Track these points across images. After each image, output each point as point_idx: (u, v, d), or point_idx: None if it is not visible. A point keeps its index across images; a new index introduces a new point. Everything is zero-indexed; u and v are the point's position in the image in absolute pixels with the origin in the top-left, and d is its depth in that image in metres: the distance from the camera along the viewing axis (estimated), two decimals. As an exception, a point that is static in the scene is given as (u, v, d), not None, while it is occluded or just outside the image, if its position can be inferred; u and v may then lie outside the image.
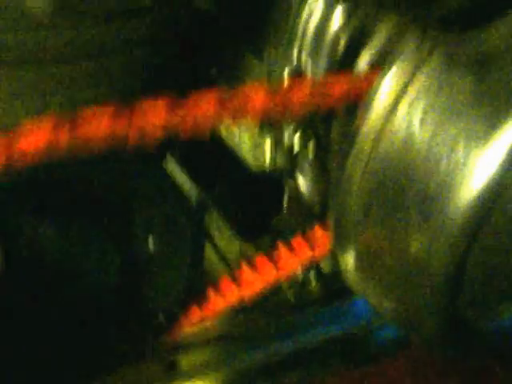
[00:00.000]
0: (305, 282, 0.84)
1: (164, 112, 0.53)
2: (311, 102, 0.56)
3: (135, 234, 0.59)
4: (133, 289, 0.61)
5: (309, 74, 0.69)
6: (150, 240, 0.59)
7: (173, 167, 0.93)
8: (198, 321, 0.68)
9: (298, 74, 0.70)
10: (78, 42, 0.53)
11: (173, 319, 0.66)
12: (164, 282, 0.62)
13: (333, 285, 0.86)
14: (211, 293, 0.68)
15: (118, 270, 0.59)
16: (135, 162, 0.55)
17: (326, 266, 0.82)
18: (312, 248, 0.70)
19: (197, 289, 0.68)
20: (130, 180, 0.55)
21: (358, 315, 0.89)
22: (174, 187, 0.58)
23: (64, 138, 0.49)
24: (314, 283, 0.85)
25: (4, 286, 0.55)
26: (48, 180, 0.52)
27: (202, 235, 0.63)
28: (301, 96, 0.56)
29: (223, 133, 0.87)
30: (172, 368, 0.77)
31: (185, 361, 0.76)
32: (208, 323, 0.71)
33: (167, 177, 0.57)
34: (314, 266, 0.81)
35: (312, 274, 0.84)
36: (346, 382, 0.97)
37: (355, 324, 0.89)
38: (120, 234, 0.58)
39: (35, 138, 0.49)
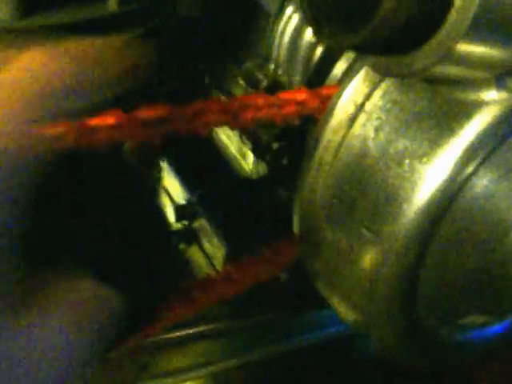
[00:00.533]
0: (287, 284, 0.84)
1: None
2: (265, 115, 0.57)
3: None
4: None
5: (284, 86, 0.70)
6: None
7: (167, 174, 0.94)
8: (174, 322, 0.69)
9: (273, 86, 0.70)
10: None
11: (146, 321, 0.66)
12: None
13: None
14: (192, 293, 0.69)
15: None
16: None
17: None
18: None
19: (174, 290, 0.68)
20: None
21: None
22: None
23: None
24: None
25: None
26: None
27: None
28: (254, 110, 0.56)
29: (215, 139, 0.88)
30: (145, 369, 0.78)
31: (158, 362, 0.77)
32: (183, 325, 0.72)
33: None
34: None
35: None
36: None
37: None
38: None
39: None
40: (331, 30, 0.43)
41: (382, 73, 0.49)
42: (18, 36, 0.52)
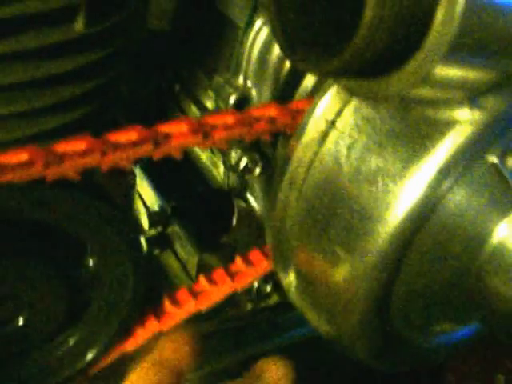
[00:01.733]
0: (261, 292, 0.81)
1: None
2: (237, 133, 0.53)
3: (78, 256, 0.56)
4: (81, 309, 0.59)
5: (253, 100, 0.67)
6: (93, 261, 0.56)
7: (140, 181, 0.90)
8: (147, 339, 0.65)
9: (242, 99, 0.67)
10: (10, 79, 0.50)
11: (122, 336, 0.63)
12: (110, 300, 0.59)
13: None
14: (164, 308, 0.66)
15: (65, 292, 0.56)
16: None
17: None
18: (268, 260, 0.67)
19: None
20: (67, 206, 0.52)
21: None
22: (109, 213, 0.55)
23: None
24: (270, 293, 0.82)
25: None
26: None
27: (142, 255, 0.60)
28: (225, 129, 0.53)
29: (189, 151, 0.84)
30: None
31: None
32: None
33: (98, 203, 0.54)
34: (269, 276, 0.77)
35: (268, 285, 0.81)
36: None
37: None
38: (64, 257, 0.56)
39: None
40: (305, 54, 0.39)
41: (357, 95, 0.46)
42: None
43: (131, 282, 0.59)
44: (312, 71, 0.45)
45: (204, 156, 0.79)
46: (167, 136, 0.52)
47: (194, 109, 0.80)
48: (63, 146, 0.49)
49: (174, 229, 0.87)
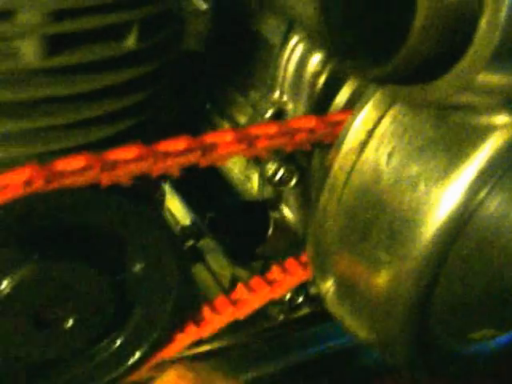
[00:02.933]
0: (293, 303, 0.83)
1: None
2: (278, 143, 0.56)
3: (124, 261, 0.59)
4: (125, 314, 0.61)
5: (289, 113, 0.69)
6: (139, 266, 0.59)
7: (171, 197, 0.93)
8: (186, 345, 0.67)
9: (279, 113, 0.69)
10: (68, 91, 0.53)
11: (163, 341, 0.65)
12: (154, 305, 0.62)
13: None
14: (203, 315, 0.68)
15: (112, 296, 0.58)
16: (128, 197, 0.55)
17: (312, 288, 0.81)
18: (303, 269, 0.69)
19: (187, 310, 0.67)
20: (119, 212, 0.55)
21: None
22: (161, 218, 0.58)
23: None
24: (302, 304, 0.84)
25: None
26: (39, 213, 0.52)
27: (186, 262, 0.62)
28: (267, 139, 0.56)
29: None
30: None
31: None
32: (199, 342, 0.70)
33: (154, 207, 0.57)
34: (303, 288, 0.80)
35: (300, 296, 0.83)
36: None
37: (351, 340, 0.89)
38: (111, 262, 0.58)
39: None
40: (355, 62, 0.42)
41: (401, 101, 0.49)
42: (42, 75, 0.51)
43: (174, 288, 0.62)
44: (362, 77, 0.48)
45: (236, 170, 0.81)
46: (214, 145, 0.55)
47: (226, 125, 0.82)
48: (117, 154, 0.52)
49: (206, 242, 0.89)
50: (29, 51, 0.49)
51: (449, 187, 0.48)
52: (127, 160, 0.51)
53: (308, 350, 0.86)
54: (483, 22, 0.38)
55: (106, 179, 0.51)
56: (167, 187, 0.93)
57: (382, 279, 0.53)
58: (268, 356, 0.84)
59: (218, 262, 0.87)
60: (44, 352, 0.59)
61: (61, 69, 0.51)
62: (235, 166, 0.81)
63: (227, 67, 0.80)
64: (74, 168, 0.50)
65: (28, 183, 0.49)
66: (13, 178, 0.49)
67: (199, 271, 0.91)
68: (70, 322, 0.58)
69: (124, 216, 0.54)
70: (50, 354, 0.59)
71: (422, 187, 0.49)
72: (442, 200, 0.49)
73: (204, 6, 0.79)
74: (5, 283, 0.53)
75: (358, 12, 0.45)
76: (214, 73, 0.83)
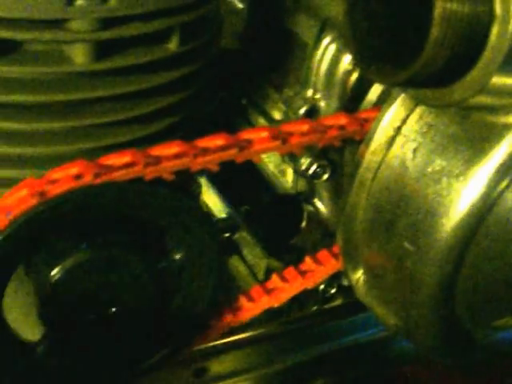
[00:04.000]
0: (326, 294, 0.88)
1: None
2: (311, 139, 0.61)
3: (166, 250, 0.65)
4: (166, 299, 0.67)
5: (322, 110, 0.75)
6: (180, 255, 0.64)
7: (207, 190, 0.99)
8: (227, 328, 0.73)
9: (312, 110, 0.75)
10: (114, 92, 0.59)
11: (202, 327, 0.71)
12: (193, 292, 0.67)
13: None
14: (242, 301, 0.73)
15: (154, 283, 0.64)
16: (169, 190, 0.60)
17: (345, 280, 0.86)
18: (335, 260, 0.74)
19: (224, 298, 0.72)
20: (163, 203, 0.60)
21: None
22: (200, 209, 0.63)
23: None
24: (334, 295, 0.89)
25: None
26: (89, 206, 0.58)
27: (223, 250, 0.68)
28: (301, 136, 0.61)
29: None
30: (201, 374, 0.82)
31: (213, 367, 0.81)
32: (236, 331, 0.75)
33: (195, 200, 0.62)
34: (336, 279, 0.85)
35: (333, 287, 0.88)
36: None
37: (380, 331, 0.94)
38: (154, 250, 0.64)
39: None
40: (378, 68, 0.47)
41: (422, 103, 0.53)
42: (91, 78, 0.57)
43: (211, 276, 0.67)
44: (382, 82, 0.53)
45: (272, 164, 0.87)
46: (250, 142, 0.61)
47: (261, 121, 0.88)
48: (160, 150, 0.57)
49: (242, 234, 0.95)
50: (79, 56, 0.55)
51: (469, 181, 0.53)
52: (169, 156, 0.57)
53: (338, 340, 0.91)
54: (494, 32, 0.42)
55: (149, 173, 0.57)
56: (203, 181, 0.99)
57: (408, 268, 0.58)
58: (299, 346, 0.89)
59: (253, 254, 0.93)
60: (90, 335, 0.64)
61: (108, 72, 0.57)
62: (270, 161, 0.86)
63: (263, 65, 0.86)
64: (120, 163, 0.56)
65: (78, 177, 0.55)
66: (64, 173, 0.55)
67: (235, 263, 0.96)
68: (115, 308, 0.63)
69: (165, 207, 0.60)
70: (95, 337, 0.65)
71: (444, 181, 0.54)
72: (464, 193, 0.53)
73: (240, 6, 0.85)
74: (56, 270, 0.59)
75: (380, 20, 0.50)
76: (249, 70, 0.89)
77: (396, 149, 0.59)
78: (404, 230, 0.58)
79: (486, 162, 0.52)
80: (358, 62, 0.49)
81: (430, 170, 0.56)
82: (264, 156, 0.87)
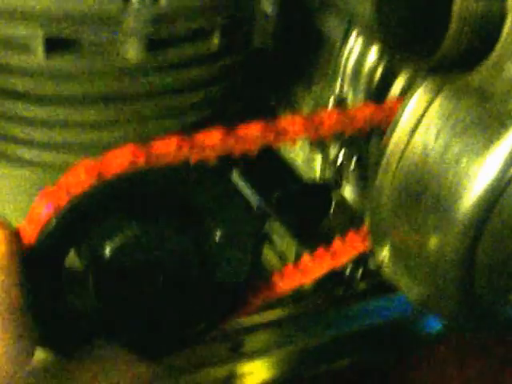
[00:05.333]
0: (352, 277, 0.93)
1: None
2: (341, 128, 0.67)
3: (208, 229, 0.70)
4: (206, 276, 0.73)
5: (349, 103, 0.80)
6: (219, 234, 0.70)
7: (237, 179, 1.04)
8: (262, 305, 0.78)
9: (340, 103, 0.80)
10: (163, 83, 0.65)
11: (238, 303, 0.76)
12: (231, 270, 0.73)
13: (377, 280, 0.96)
14: (274, 280, 0.79)
15: (195, 261, 0.69)
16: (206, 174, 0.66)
17: (370, 264, 0.91)
18: (364, 241, 0.78)
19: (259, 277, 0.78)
20: (203, 187, 0.66)
21: (405, 306, 0.99)
22: (238, 193, 0.69)
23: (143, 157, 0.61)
24: (360, 279, 0.94)
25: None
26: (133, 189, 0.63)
27: (261, 230, 0.73)
28: (331, 124, 0.67)
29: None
30: (237, 349, 0.87)
31: (248, 343, 0.86)
32: (271, 308, 0.81)
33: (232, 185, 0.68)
34: (361, 263, 0.90)
35: (359, 271, 0.93)
36: (391, 366, 1.05)
37: (400, 314, 0.99)
38: (196, 231, 0.69)
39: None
40: (408, 54, 0.53)
41: (448, 87, 0.59)
42: (142, 71, 0.63)
43: (249, 256, 0.73)
44: (412, 66, 0.58)
45: (300, 154, 0.92)
46: (285, 129, 0.66)
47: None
48: (204, 136, 0.63)
49: (272, 222, 1.00)
50: (132, 51, 0.61)
51: (487, 161, 0.58)
52: (213, 141, 0.63)
53: (363, 321, 0.97)
54: (506, 25, 0.48)
55: (194, 158, 0.63)
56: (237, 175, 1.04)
57: (431, 242, 0.63)
58: (326, 326, 0.95)
59: (283, 241, 0.98)
60: (138, 310, 0.70)
61: (158, 66, 0.63)
62: (299, 151, 0.92)
63: (290, 63, 0.91)
64: (168, 148, 0.62)
65: (132, 161, 0.61)
66: (119, 157, 0.61)
67: (264, 250, 1.01)
68: (161, 284, 0.68)
69: (209, 189, 0.66)
70: (142, 313, 0.71)
71: (464, 162, 0.59)
72: (481, 172, 0.59)
73: (269, 9, 0.91)
74: (108, 248, 0.65)
75: (407, 11, 0.56)
76: (277, 68, 0.95)
77: (419, 135, 0.65)
78: (427, 207, 0.63)
79: (502, 144, 0.58)
80: (390, 50, 0.55)
81: (451, 152, 0.61)
82: (292, 146, 0.93)
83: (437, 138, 0.63)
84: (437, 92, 0.64)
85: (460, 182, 0.60)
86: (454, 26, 0.48)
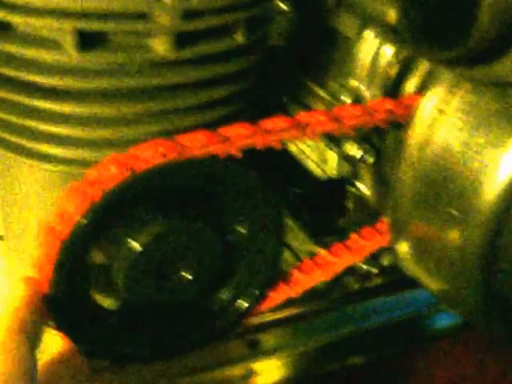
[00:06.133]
0: (367, 273, 0.95)
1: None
2: (361, 122, 0.68)
3: (233, 223, 0.71)
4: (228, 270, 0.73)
5: (365, 99, 0.82)
6: (243, 228, 0.71)
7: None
8: (278, 302, 0.79)
9: (356, 99, 0.82)
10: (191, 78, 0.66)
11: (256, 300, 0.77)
12: (254, 265, 0.74)
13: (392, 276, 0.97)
14: (292, 276, 0.79)
15: (221, 254, 0.70)
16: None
17: (385, 260, 0.93)
18: (380, 235, 0.79)
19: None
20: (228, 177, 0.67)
21: (418, 302, 1.00)
22: (263, 184, 0.70)
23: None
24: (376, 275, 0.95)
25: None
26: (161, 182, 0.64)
27: (282, 224, 0.74)
28: (352, 117, 0.68)
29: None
30: (254, 346, 0.88)
31: (265, 340, 0.87)
32: (287, 305, 0.82)
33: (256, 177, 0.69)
34: (377, 259, 0.92)
35: (375, 267, 0.95)
36: (407, 363, 1.05)
37: (415, 310, 1.01)
38: (222, 224, 0.70)
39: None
40: (429, 47, 0.55)
41: (469, 81, 0.61)
42: (170, 66, 0.65)
43: (272, 250, 0.74)
44: (433, 59, 0.59)
45: (315, 150, 0.94)
46: (308, 124, 0.68)
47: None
48: (230, 130, 0.65)
49: (286, 220, 1.01)
50: (161, 46, 0.63)
51: (509, 153, 0.60)
52: (240, 135, 0.64)
53: (379, 317, 0.98)
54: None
55: (222, 152, 0.64)
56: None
57: (454, 234, 0.64)
58: (342, 323, 0.96)
59: (298, 240, 1.00)
60: (164, 302, 0.70)
61: (186, 60, 0.64)
62: (312, 148, 0.93)
63: (305, 61, 0.93)
64: (197, 142, 0.63)
65: (164, 155, 0.62)
66: (149, 151, 0.62)
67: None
68: (187, 276, 0.69)
69: (236, 182, 0.67)
70: (168, 305, 0.72)
71: (486, 154, 0.61)
72: (504, 164, 0.60)
73: (285, 7, 0.93)
74: (136, 241, 0.65)
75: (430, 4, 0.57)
76: (291, 66, 0.96)
77: (441, 128, 0.66)
78: (450, 199, 0.64)
79: (525, 135, 0.60)
80: (411, 44, 0.57)
81: (473, 143, 0.62)
82: (306, 143, 0.95)
83: (459, 130, 0.64)
84: (458, 85, 0.65)
85: (482, 175, 0.61)
86: (484, 16, 0.49)
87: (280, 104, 1.00)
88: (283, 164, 0.93)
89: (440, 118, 0.66)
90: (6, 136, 0.68)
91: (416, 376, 1.00)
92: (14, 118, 0.67)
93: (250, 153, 0.65)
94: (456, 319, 0.99)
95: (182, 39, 0.63)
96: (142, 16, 0.61)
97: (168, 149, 0.62)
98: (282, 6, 0.90)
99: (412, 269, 0.73)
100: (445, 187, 0.65)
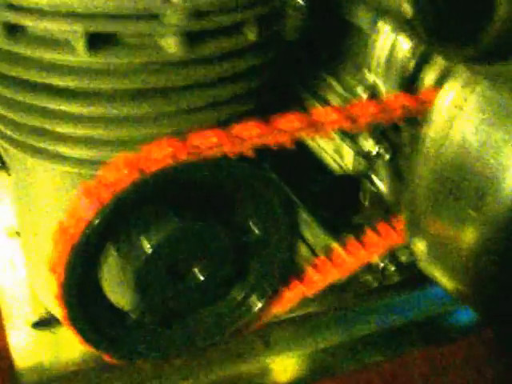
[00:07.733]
0: (385, 271, 0.94)
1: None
2: (376, 119, 0.68)
3: (247, 224, 0.71)
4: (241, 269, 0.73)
5: (382, 93, 0.81)
6: (255, 226, 0.71)
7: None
8: (292, 301, 0.79)
9: (372, 93, 0.82)
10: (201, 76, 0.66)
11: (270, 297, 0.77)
12: (267, 264, 0.74)
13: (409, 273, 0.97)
14: (307, 274, 0.79)
15: (235, 255, 0.70)
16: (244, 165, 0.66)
17: (403, 257, 0.92)
18: (395, 231, 0.78)
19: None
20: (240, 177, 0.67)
21: (435, 300, 1.00)
22: (275, 183, 0.70)
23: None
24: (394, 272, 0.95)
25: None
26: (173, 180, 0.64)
27: (296, 223, 0.74)
28: (367, 115, 0.67)
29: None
30: (269, 344, 0.88)
31: (280, 338, 0.88)
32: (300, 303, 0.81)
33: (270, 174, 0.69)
34: (394, 256, 0.91)
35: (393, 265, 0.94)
36: (422, 360, 1.05)
37: (432, 308, 1.00)
38: (236, 224, 0.70)
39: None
40: (446, 45, 0.54)
41: (485, 78, 0.60)
42: (181, 65, 0.64)
43: (286, 249, 0.74)
44: (449, 57, 0.59)
45: (331, 147, 0.93)
46: (322, 122, 0.68)
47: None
48: (242, 130, 0.64)
49: (302, 215, 1.01)
50: (171, 46, 0.62)
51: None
52: (251, 134, 0.64)
53: (396, 315, 0.98)
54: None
55: (233, 151, 0.64)
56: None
57: (471, 233, 0.63)
58: (357, 321, 0.96)
59: (314, 235, 0.99)
60: (177, 303, 0.71)
61: (196, 60, 0.64)
62: (328, 143, 0.93)
63: (321, 56, 0.93)
64: (208, 142, 0.63)
65: (173, 155, 0.62)
66: (159, 151, 0.62)
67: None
68: (201, 277, 0.69)
69: (249, 182, 0.67)
70: (182, 305, 0.72)
71: (505, 151, 0.60)
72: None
73: (301, 2, 0.92)
74: (148, 241, 0.65)
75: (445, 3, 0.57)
76: (307, 60, 0.96)
77: (459, 125, 0.65)
78: (468, 197, 0.64)
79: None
80: (427, 43, 0.56)
81: (491, 141, 0.62)
82: (322, 139, 0.94)
83: (477, 127, 0.63)
84: (475, 81, 0.64)
85: (501, 172, 0.61)
86: (502, 8, 0.49)
87: (297, 97, 0.99)
88: (300, 161, 0.93)
89: (457, 114, 0.66)
90: (20, 138, 0.69)
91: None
92: (27, 120, 0.67)
93: (266, 150, 0.65)
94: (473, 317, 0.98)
95: (192, 38, 0.62)
96: (151, 16, 0.60)
97: (178, 149, 0.61)
98: (298, 0, 0.89)
99: (428, 267, 0.73)
100: (462, 185, 0.64)
